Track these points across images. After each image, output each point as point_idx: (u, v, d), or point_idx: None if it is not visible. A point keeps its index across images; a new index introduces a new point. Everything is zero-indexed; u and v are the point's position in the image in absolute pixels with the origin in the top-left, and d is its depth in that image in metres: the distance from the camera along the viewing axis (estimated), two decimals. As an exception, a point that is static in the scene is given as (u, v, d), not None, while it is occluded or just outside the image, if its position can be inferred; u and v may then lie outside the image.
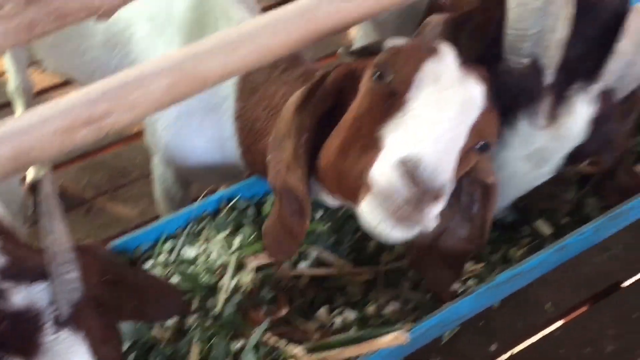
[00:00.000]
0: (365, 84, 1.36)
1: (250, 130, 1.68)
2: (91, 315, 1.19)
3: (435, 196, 1.18)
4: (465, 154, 1.32)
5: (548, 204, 1.85)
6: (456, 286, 1.71)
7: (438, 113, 1.25)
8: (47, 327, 1.13)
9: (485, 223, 1.51)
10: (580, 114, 1.46)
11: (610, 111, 1.49)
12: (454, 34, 1.55)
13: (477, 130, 1.31)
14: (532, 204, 1.85)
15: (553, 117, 1.46)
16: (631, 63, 1.45)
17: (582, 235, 1.68)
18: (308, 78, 1.58)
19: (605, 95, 1.47)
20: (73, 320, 1.15)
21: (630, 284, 1.98)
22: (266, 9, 3.32)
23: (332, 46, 3.21)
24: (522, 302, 1.87)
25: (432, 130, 1.23)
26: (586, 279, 1.95)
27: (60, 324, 1.14)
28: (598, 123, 1.48)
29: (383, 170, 1.22)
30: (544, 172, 1.57)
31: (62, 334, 1.14)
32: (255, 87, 1.68)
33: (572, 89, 1.46)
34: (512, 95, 1.45)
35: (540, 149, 1.50)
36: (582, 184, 1.91)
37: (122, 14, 1.78)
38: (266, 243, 1.56)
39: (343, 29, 1.49)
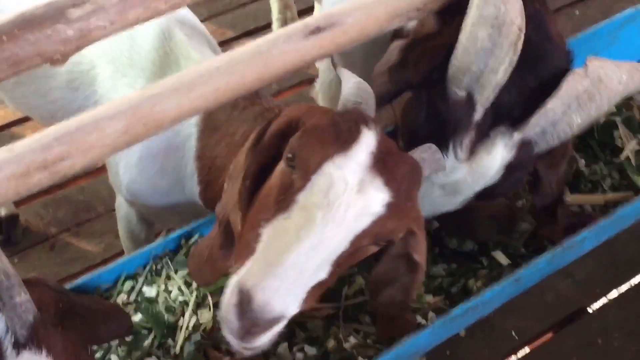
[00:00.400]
0: (281, 163, 1.32)
1: (211, 168, 1.69)
2: (51, 333, 1.20)
3: (265, 327, 1.19)
4: (355, 250, 1.29)
5: (504, 238, 1.89)
6: (418, 319, 1.73)
7: (304, 240, 1.21)
8: (8, 353, 1.15)
9: (409, 294, 1.51)
10: (497, 156, 1.50)
11: (525, 162, 1.53)
12: (405, 55, 1.59)
13: (369, 234, 1.27)
14: (489, 237, 1.88)
15: (473, 153, 1.50)
16: (556, 122, 1.49)
17: (535, 267, 1.70)
18: (266, 116, 1.59)
19: (524, 146, 1.51)
20: (32, 340, 1.16)
21: (595, 310, 2.01)
22: (231, 40, 3.37)
23: (297, 77, 3.26)
24: (487, 330, 1.89)
25: (286, 260, 1.19)
26: (551, 305, 1.97)
27: (20, 346, 1.16)
28: (511, 169, 1.52)
29: (228, 290, 1.22)
30: (455, 201, 1.60)
31: (24, 355, 1.16)
32: (217, 126, 1.70)
33: (496, 132, 1.50)
34: (441, 121, 1.49)
35: (455, 181, 1.53)
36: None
37: (86, 55, 1.80)
38: (190, 265, 1.58)
39: (298, 68, 1.51)
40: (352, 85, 1.43)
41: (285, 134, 1.37)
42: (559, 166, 1.70)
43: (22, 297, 1.15)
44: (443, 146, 1.50)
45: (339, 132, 1.27)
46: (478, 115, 1.47)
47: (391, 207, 1.26)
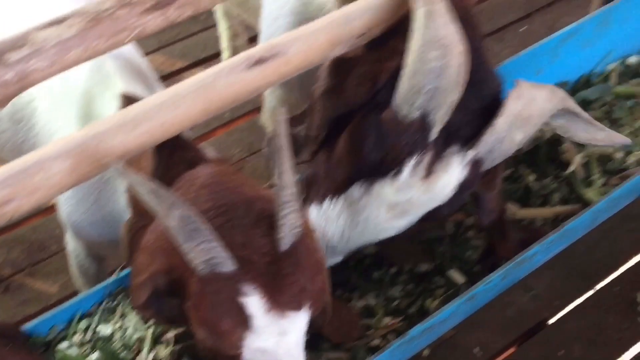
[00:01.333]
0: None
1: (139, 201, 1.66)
2: None
3: None
4: None
5: (457, 252, 1.91)
6: (376, 342, 1.73)
7: None
8: None
9: None
10: (453, 175, 1.53)
11: (473, 180, 1.57)
12: (340, 77, 1.61)
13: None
14: (444, 252, 1.90)
15: (429, 172, 1.53)
16: (502, 139, 1.56)
17: (490, 284, 1.72)
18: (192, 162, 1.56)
19: (475, 164, 1.55)
20: None
21: (555, 322, 2.03)
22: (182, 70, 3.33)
23: (250, 104, 3.26)
24: (450, 348, 1.89)
25: None
26: (512, 319, 1.98)
27: None
28: (462, 188, 1.56)
29: None
30: (400, 225, 1.60)
31: None
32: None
33: (449, 151, 1.53)
34: (397, 144, 1.51)
35: (409, 200, 1.55)
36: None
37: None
38: None
39: (243, 99, 1.52)
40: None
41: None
42: (494, 181, 1.73)
43: None
44: (396, 167, 1.52)
45: (234, 316, 1.28)
46: (434, 134, 1.50)
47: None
